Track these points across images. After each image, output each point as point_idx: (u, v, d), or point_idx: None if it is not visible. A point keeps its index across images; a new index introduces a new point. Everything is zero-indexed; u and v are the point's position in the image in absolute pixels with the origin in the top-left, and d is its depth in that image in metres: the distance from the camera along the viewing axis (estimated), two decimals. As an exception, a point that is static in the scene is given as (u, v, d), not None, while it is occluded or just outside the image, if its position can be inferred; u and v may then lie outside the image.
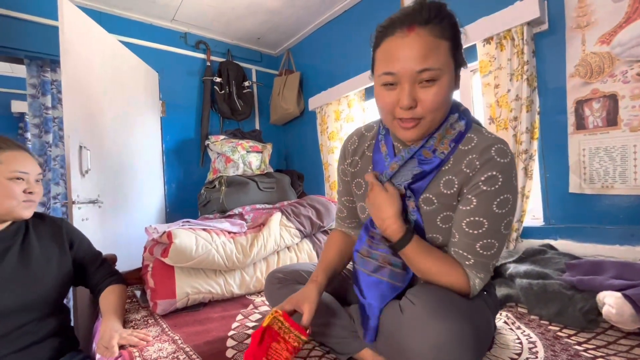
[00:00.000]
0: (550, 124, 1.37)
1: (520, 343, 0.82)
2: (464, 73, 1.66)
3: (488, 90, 1.48)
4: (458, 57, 0.65)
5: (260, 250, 1.38)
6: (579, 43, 1.27)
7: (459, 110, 0.72)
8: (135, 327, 1.06)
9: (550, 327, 0.90)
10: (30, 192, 0.90)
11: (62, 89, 1.40)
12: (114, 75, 1.86)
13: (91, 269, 1.08)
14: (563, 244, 1.30)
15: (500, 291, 1.08)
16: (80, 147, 1.47)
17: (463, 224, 0.67)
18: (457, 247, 0.69)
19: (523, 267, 1.11)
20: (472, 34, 1.50)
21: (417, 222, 0.72)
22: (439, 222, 0.71)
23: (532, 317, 0.97)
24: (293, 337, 0.70)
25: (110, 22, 2.12)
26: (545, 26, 1.35)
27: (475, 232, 0.66)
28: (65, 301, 1.05)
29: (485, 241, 0.66)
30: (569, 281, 0.97)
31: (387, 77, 0.64)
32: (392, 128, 0.70)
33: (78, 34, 1.55)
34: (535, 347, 0.80)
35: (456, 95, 1.85)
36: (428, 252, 0.69)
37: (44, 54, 1.96)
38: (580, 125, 1.28)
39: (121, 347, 0.88)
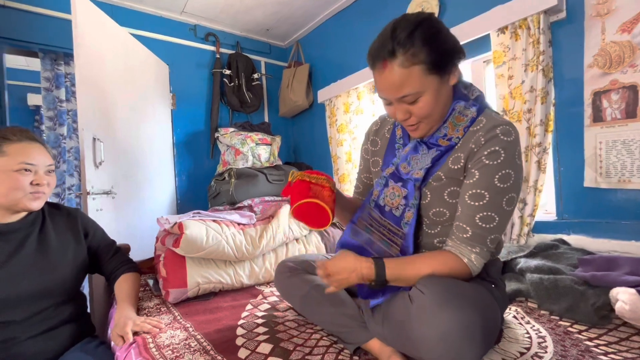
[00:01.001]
0: (566, 116, 1.33)
1: (530, 337, 0.81)
2: (476, 64, 1.64)
3: (501, 82, 1.45)
4: (441, 67, 0.67)
5: (269, 242, 1.39)
6: (598, 32, 1.22)
7: (468, 98, 0.75)
8: (149, 314, 1.09)
9: (560, 323, 0.89)
10: (37, 184, 0.90)
11: (76, 82, 1.42)
12: (125, 68, 1.88)
13: (106, 257, 1.11)
14: (576, 239, 1.28)
15: (510, 286, 1.07)
16: (94, 139, 1.50)
17: (466, 196, 0.71)
18: (459, 221, 0.72)
19: (534, 262, 1.10)
20: (486, 23, 1.46)
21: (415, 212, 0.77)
22: (446, 197, 0.75)
23: (542, 312, 0.96)
24: (323, 181, 0.75)
25: (122, 15, 2.13)
26: (563, 14, 1.31)
27: (476, 204, 0.69)
28: (81, 289, 1.08)
29: (485, 214, 0.69)
30: (582, 277, 0.95)
31: (382, 99, 0.74)
32: (403, 126, 0.79)
33: (91, 27, 1.57)
34: (545, 341, 0.79)
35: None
36: (406, 260, 0.72)
37: (57, 48, 1.99)
38: (598, 117, 1.24)
39: (135, 333, 0.91)
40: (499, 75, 1.45)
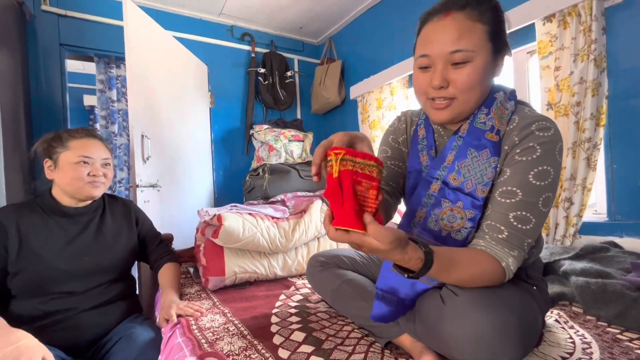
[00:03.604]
0: (621, 110, 1.23)
1: (573, 342, 0.77)
2: (519, 55, 1.56)
3: (547, 73, 1.36)
4: (497, 42, 0.65)
5: (302, 236, 1.43)
6: (661, 16, 1.11)
7: (505, 91, 0.71)
8: (190, 299, 1.17)
9: (608, 329, 0.83)
10: (94, 175, 1.02)
11: (127, 83, 1.54)
12: (169, 69, 2.01)
13: (151, 246, 1.22)
14: (629, 242, 1.18)
15: (553, 289, 1.01)
16: (142, 136, 1.62)
17: (497, 193, 0.65)
18: (490, 219, 0.64)
19: (580, 265, 1.03)
20: (530, 11, 1.38)
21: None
22: None
23: (589, 317, 0.91)
24: (371, 169, 0.53)
25: (165, 19, 2.27)
26: (619, -1, 1.20)
27: (508, 201, 0.62)
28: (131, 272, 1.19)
29: (519, 213, 0.61)
30: (635, 282, 0.89)
31: (422, 59, 0.66)
32: (425, 110, 0.72)
33: (140, 32, 1.69)
34: (590, 347, 0.75)
35: (510, 80, 1.71)
36: (451, 262, 0.59)
37: (110, 52, 2.17)
38: (659, 110, 1.13)
39: (179, 316, 0.99)
40: (545, 66, 1.36)
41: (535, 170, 0.61)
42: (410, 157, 0.81)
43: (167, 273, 1.16)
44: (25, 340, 0.74)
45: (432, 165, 0.73)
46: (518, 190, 0.62)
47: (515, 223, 0.62)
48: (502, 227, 0.62)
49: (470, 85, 0.63)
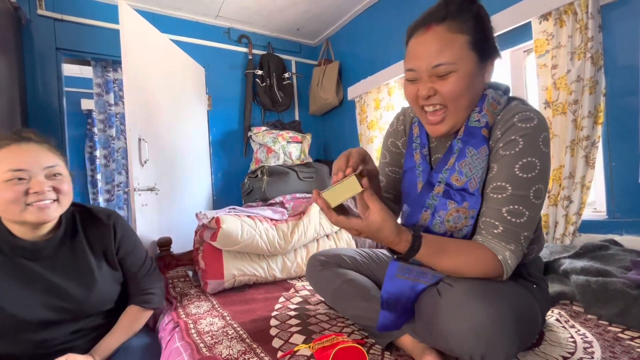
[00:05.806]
0: (618, 107, 1.23)
1: (574, 342, 0.77)
2: (516, 54, 1.56)
3: (544, 72, 1.36)
4: (482, 49, 0.65)
5: (301, 237, 1.42)
6: (657, 13, 1.12)
7: (498, 87, 0.72)
8: (190, 300, 1.16)
9: (610, 328, 0.83)
10: (35, 192, 0.73)
11: (124, 87, 1.53)
12: (166, 71, 2.00)
13: (133, 276, 0.96)
14: (629, 240, 1.18)
15: (553, 288, 1.01)
16: (140, 139, 1.61)
17: (488, 190, 0.66)
18: (485, 216, 0.65)
19: (580, 263, 1.03)
20: (527, 10, 1.38)
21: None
22: None
23: (590, 316, 0.90)
24: (334, 340, 0.74)
25: (162, 22, 2.27)
26: (615, -4, 1.21)
27: (499, 196, 0.64)
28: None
29: (511, 207, 0.63)
30: (635, 280, 0.88)
31: (409, 73, 0.69)
32: (421, 120, 0.74)
33: (136, 35, 1.68)
34: (592, 347, 0.74)
35: (507, 78, 1.71)
36: (443, 249, 0.63)
37: (107, 56, 2.17)
38: (656, 107, 1.13)
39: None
40: (542, 65, 1.36)
41: (520, 163, 0.63)
42: (405, 155, 0.82)
43: (123, 319, 0.90)
44: None
45: (425, 166, 0.76)
46: (507, 185, 0.63)
47: (509, 217, 0.63)
48: (497, 223, 0.64)
49: (456, 94, 0.65)
